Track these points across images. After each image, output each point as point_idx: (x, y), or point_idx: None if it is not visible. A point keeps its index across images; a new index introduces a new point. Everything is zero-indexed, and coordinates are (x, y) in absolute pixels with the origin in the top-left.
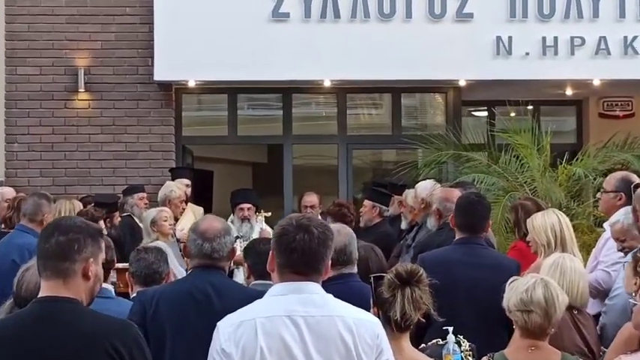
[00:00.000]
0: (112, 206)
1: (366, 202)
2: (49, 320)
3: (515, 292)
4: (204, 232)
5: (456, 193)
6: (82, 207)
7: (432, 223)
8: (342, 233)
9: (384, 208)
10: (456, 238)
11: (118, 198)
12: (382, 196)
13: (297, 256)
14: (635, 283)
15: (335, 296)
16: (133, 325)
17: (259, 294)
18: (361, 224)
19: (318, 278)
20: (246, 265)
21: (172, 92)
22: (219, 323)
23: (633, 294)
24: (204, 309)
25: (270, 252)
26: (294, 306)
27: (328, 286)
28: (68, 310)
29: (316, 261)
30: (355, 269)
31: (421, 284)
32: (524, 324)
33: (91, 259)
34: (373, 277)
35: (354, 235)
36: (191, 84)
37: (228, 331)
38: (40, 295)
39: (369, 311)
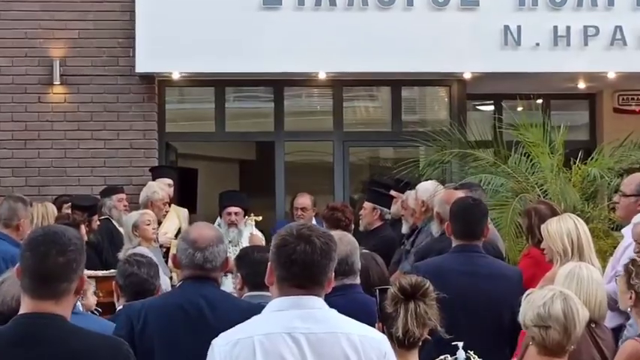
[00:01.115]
0: (92, 209)
1: (366, 204)
2: (36, 338)
3: (531, 306)
4: (195, 241)
5: (459, 196)
6: (55, 210)
7: (435, 228)
8: (343, 241)
9: (385, 210)
10: (453, 245)
11: (97, 200)
12: (383, 198)
13: (298, 269)
14: (630, 297)
15: (336, 309)
16: (124, 342)
17: (255, 307)
18: (361, 228)
19: (321, 292)
20: (238, 275)
21: (155, 85)
22: (214, 341)
23: (629, 309)
24: (197, 324)
25: (269, 264)
26: (295, 322)
27: (328, 299)
28: (57, 327)
29: (318, 274)
30: (358, 280)
31: (427, 298)
32: (541, 341)
33: (82, 274)
34: (378, 289)
35: (357, 244)
36: (175, 76)
37: (224, 349)
38: (24, 310)
39: (373, 326)
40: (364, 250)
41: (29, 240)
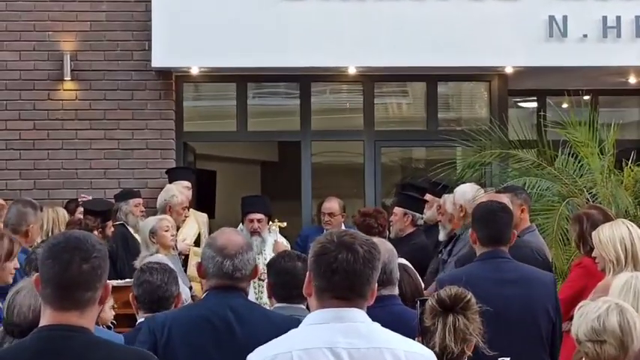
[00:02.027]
0: (106, 214)
1: (396, 210)
2: (60, 352)
3: (585, 319)
4: (223, 248)
5: (502, 200)
6: (67, 215)
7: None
8: (381, 249)
9: (417, 215)
10: (479, 253)
11: (111, 205)
12: (414, 202)
13: (339, 279)
14: None
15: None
16: (152, 355)
17: (287, 320)
18: (391, 235)
19: (363, 304)
20: (266, 284)
21: (172, 81)
22: (249, 356)
23: None
24: (224, 338)
25: (307, 273)
26: (336, 337)
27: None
28: (82, 341)
29: (361, 284)
30: (396, 290)
31: (468, 312)
32: (595, 356)
33: (107, 282)
34: (419, 300)
35: (395, 252)
36: (194, 71)
37: None
38: (47, 322)
39: (413, 340)
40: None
41: (50, 247)
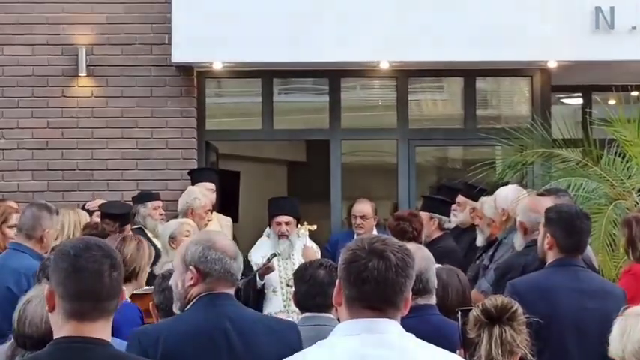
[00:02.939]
0: (124, 218)
1: (422, 214)
2: None
3: (630, 337)
4: (226, 249)
5: (546, 203)
6: (88, 218)
7: (519, 240)
8: (417, 255)
9: (443, 219)
10: (552, 259)
11: (130, 207)
12: (439, 205)
13: (370, 288)
14: None
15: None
16: None
17: (287, 329)
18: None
19: (396, 314)
20: (292, 292)
21: (194, 77)
22: None
23: None
24: (224, 353)
25: (337, 281)
26: (366, 349)
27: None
28: (102, 355)
29: (394, 293)
30: (434, 299)
31: (515, 322)
32: None
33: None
34: (460, 310)
35: (433, 258)
36: (217, 66)
37: None
38: (66, 333)
39: (454, 352)
40: (446, 265)
41: (71, 258)
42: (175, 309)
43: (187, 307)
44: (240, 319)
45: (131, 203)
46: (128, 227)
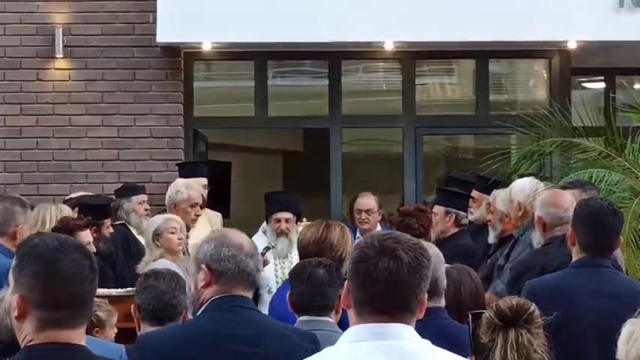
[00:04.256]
0: (103, 210)
1: (437, 209)
2: None
3: (635, 343)
4: (241, 246)
5: (568, 197)
6: (71, 213)
7: (537, 237)
8: None
9: (461, 213)
10: (576, 258)
11: (110, 200)
12: (457, 198)
13: (381, 290)
14: None
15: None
16: None
17: (306, 340)
18: (432, 238)
19: (410, 319)
20: (288, 294)
21: (181, 58)
22: None
23: None
24: None
25: (345, 283)
26: (377, 356)
27: None
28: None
29: (407, 296)
30: (443, 302)
31: (532, 325)
32: None
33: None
34: (471, 314)
35: (442, 257)
36: (206, 47)
37: None
38: (41, 341)
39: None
40: (460, 265)
41: (51, 261)
42: (189, 314)
43: (199, 312)
44: (254, 326)
45: (114, 196)
46: (107, 221)
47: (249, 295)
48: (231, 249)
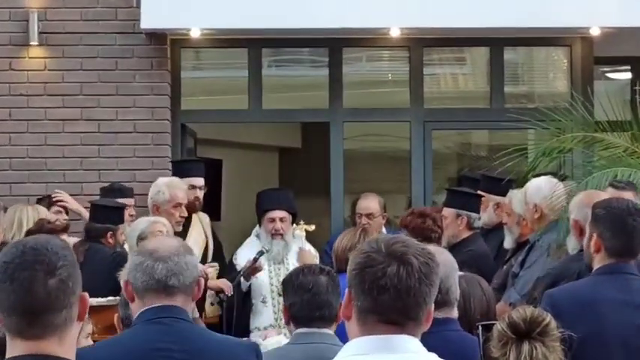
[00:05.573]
0: (118, 215)
1: (446, 211)
2: None
3: None
4: (154, 251)
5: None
6: (48, 215)
7: (572, 243)
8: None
9: (473, 215)
10: (599, 265)
11: (123, 204)
12: (468, 199)
13: (389, 298)
14: None
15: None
16: None
17: (246, 351)
18: (442, 242)
19: (417, 330)
20: (282, 305)
21: (167, 46)
22: None
23: None
24: None
25: (347, 291)
26: None
27: None
28: None
29: (416, 305)
30: (455, 313)
31: (547, 338)
32: None
33: (82, 293)
34: (481, 325)
35: (455, 264)
36: (195, 34)
37: None
38: (18, 353)
39: None
40: (469, 274)
41: (3, 265)
42: None
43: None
44: (186, 339)
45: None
46: (122, 227)
47: (185, 304)
48: (141, 256)
